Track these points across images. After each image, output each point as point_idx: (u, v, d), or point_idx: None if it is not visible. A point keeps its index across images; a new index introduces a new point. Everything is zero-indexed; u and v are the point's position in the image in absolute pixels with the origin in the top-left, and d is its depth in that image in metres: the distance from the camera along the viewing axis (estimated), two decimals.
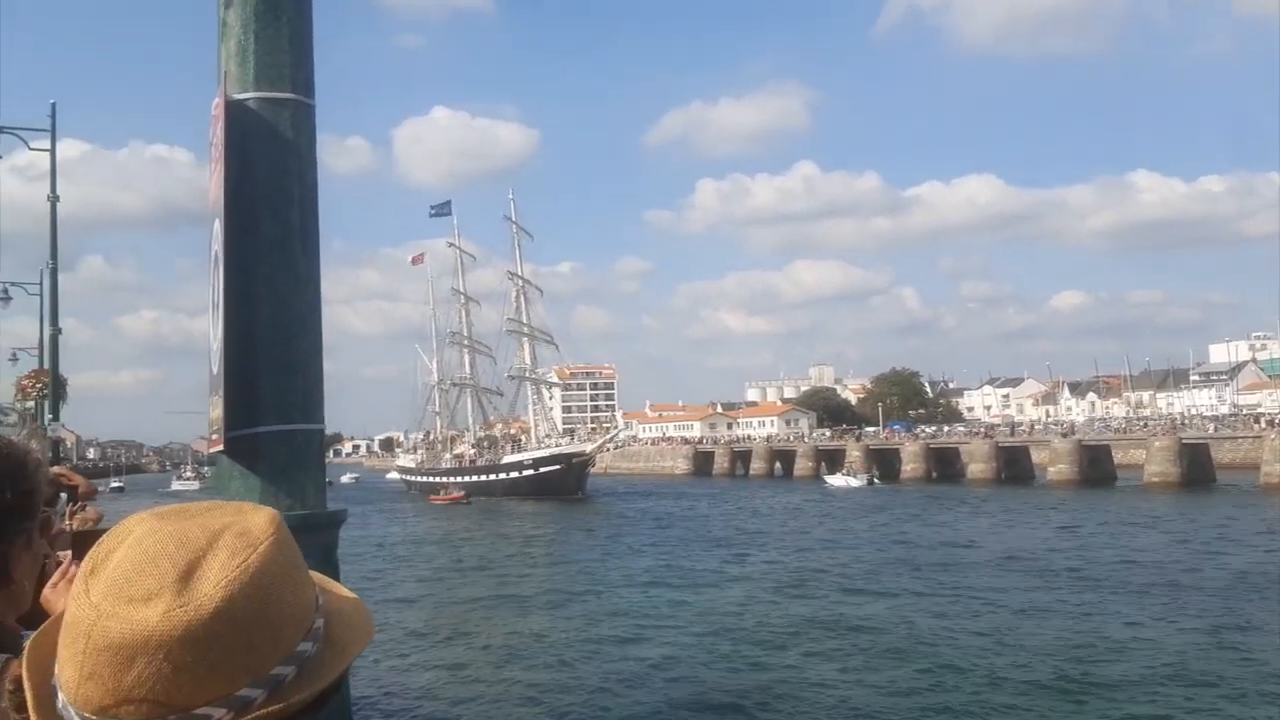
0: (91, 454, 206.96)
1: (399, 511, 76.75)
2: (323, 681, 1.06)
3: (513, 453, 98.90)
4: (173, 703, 0.97)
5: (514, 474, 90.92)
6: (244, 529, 1.05)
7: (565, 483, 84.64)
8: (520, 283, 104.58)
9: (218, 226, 3.23)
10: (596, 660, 21.31)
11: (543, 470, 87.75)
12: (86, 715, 0.98)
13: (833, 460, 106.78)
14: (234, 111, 3.19)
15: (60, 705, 1.01)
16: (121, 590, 0.99)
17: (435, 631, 25.63)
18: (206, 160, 3.40)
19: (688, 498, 79.95)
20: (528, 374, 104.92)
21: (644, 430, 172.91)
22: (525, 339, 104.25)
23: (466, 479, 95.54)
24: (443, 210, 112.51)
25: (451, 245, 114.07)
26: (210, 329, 3.33)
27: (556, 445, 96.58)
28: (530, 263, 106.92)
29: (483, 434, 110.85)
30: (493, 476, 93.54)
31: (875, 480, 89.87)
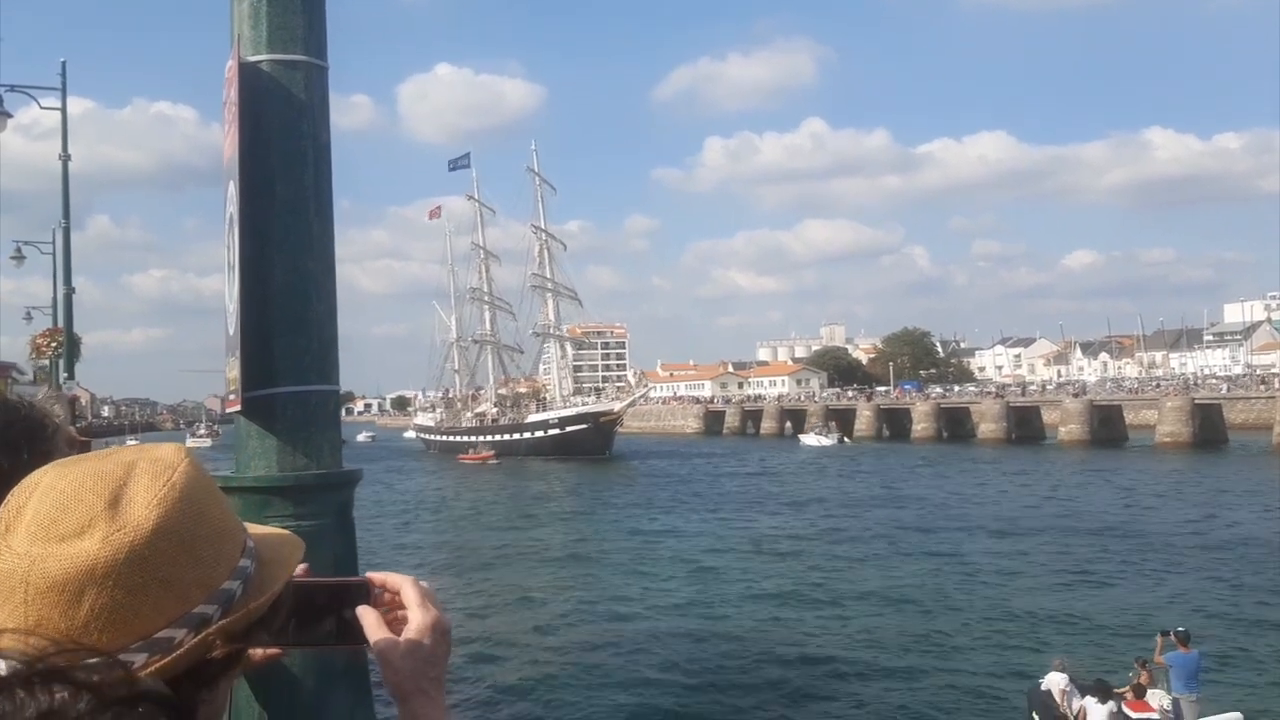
0: (106, 412, 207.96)
1: (426, 471, 76.48)
2: (268, 593, 1.06)
3: (537, 412, 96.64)
4: (133, 630, 0.93)
5: (539, 433, 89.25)
6: (156, 456, 1.03)
7: (592, 442, 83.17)
8: (544, 236, 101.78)
9: (232, 188, 3.25)
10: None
11: (569, 430, 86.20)
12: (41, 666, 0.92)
13: (844, 420, 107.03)
14: (247, 74, 3.20)
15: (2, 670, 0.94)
16: (48, 532, 0.94)
17: (479, 587, 26.29)
18: (211, 118, 3.42)
19: (707, 457, 79.93)
20: (552, 330, 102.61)
21: (655, 389, 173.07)
22: (549, 294, 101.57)
23: (489, 438, 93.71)
24: (461, 163, 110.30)
25: (471, 199, 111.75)
26: (226, 290, 3.37)
27: (583, 404, 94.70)
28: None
29: (503, 393, 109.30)
30: (516, 436, 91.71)
31: (845, 439, 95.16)
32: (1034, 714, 13.91)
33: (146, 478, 0.99)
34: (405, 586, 1.22)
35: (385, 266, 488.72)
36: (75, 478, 0.99)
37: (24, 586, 0.92)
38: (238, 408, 3.24)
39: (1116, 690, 13.50)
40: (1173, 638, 14.07)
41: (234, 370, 3.27)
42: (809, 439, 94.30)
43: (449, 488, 60.66)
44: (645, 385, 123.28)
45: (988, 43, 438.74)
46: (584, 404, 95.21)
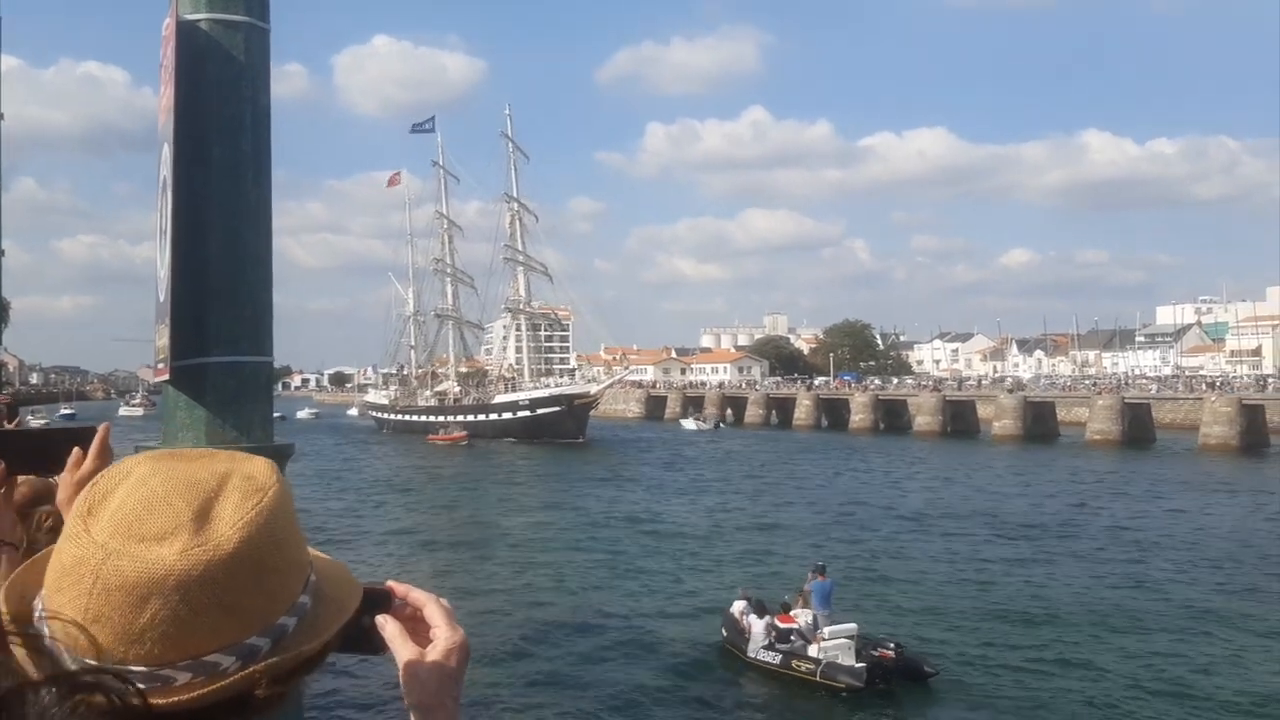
0: (35, 379, 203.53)
1: (394, 453, 73.50)
2: (320, 637, 1.04)
3: (506, 391, 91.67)
4: (184, 648, 0.92)
5: (507, 415, 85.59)
6: (249, 473, 1.02)
7: (565, 425, 79.46)
8: (516, 206, 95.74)
9: (167, 151, 3.15)
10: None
11: (540, 412, 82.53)
12: (86, 660, 0.91)
13: (783, 408, 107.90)
14: (185, 33, 3.09)
15: (49, 645, 0.94)
16: (131, 529, 0.93)
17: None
18: (143, 81, 3.31)
19: (665, 443, 78.52)
20: (523, 306, 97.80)
21: (631, 373, 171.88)
22: (520, 269, 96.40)
23: (453, 418, 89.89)
24: (425, 126, 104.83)
25: (436, 165, 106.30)
26: (158, 256, 3.27)
27: (555, 385, 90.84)
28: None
29: (465, 370, 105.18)
30: (483, 417, 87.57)
31: (721, 425, 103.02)
32: (723, 630, 18.82)
33: (237, 495, 0.98)
34: (429, 605, 1.20)
35: (321, 240, 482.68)
36: (167, 478, 0.98)
37: (94, 578, 0.91)
38: (166, 377, 3.15)
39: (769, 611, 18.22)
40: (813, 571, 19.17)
41: (164, 338, 3.17)
42: (688, 423, 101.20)
43: (430, 472, 58.09)
44: (624, 368, 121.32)
45: (931, 38, 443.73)
46: (556, 385, 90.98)
